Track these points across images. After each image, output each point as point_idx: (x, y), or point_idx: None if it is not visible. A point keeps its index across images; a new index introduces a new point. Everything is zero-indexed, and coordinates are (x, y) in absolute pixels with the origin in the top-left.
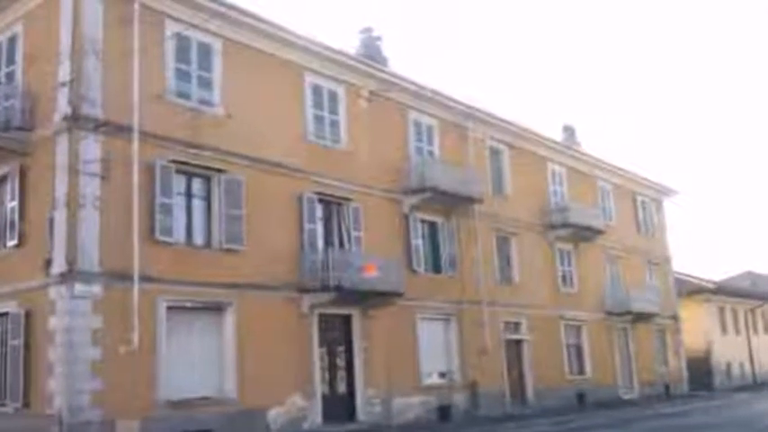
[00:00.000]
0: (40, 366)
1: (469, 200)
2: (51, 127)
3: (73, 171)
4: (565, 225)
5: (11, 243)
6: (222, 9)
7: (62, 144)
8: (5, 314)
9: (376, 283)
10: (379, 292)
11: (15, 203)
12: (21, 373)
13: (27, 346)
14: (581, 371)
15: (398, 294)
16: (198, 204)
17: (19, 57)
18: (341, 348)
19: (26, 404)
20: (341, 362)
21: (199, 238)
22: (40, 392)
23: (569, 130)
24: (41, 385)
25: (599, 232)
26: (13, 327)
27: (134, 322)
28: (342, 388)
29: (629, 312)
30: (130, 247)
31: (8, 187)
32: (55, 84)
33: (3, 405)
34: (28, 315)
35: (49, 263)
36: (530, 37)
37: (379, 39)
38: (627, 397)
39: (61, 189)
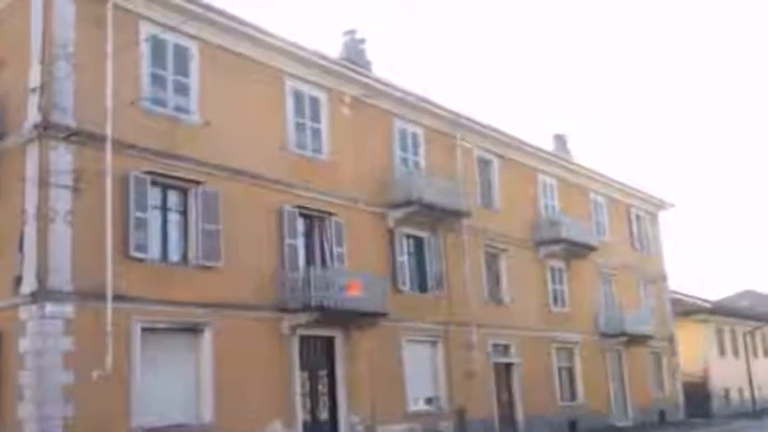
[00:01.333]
0: (9, 391)
1: (457, 213)
2: (21, 136)
3: (43, 183)
4: (557, 241)
5: None
6: (200, 10)
7: (32, 154)
8: None
9: (360, 302)
10: (362, 313)
11: None
12: None
13: None
14: (573, 396)
15: (382, 315)
16: (174, 218)
17: None
18: (323, 372)
19: None
20: (323, 387)
21: (175, 255)
22: (9, 419)
23: (560, 140)
24: (11, 411)
25: (592, 248)
26: None
27: (107, 344)
28: (324, 414)
29: (623, 334)
30: (103, 264)
31: None
32: (24, 90)
33: None
34: None
35: (19, 281)
36: (520, 44)
37: (362, 42)
38: (621, 424)
39: (31, 202)
